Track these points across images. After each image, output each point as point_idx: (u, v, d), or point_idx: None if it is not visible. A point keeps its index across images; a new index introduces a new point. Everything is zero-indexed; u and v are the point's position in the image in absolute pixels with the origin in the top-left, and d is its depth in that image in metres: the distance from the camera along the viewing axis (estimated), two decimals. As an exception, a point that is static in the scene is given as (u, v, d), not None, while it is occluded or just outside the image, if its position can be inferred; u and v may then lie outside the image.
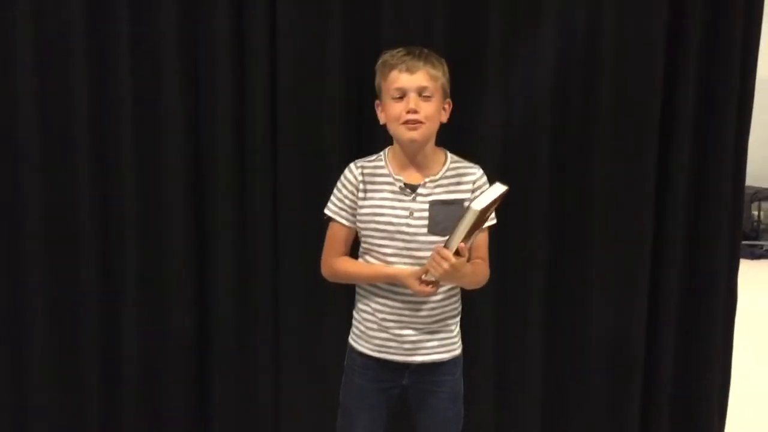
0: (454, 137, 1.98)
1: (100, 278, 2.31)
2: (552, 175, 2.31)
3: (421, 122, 1.75)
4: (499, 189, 1.64)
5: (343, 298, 2.21)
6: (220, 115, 2.25)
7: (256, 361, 2.37)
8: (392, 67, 1.77)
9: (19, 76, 2.20)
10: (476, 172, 1.86)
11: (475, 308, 2.17)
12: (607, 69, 2.25)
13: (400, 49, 1.81)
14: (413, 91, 1.75)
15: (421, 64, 1.76)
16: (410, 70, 1.75)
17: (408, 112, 1.75)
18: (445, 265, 1.67)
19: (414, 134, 1.76)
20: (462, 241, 1.66)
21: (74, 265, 2.29)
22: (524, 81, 2.25)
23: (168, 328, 2.33)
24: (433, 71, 1.77)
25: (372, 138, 2.16)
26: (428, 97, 1.77)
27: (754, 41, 2.29)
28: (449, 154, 1.87)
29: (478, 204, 1.62)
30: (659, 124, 2.28)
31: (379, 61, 1.83)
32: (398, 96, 1.76)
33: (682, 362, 2.44)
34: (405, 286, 1.78)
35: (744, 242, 2.97)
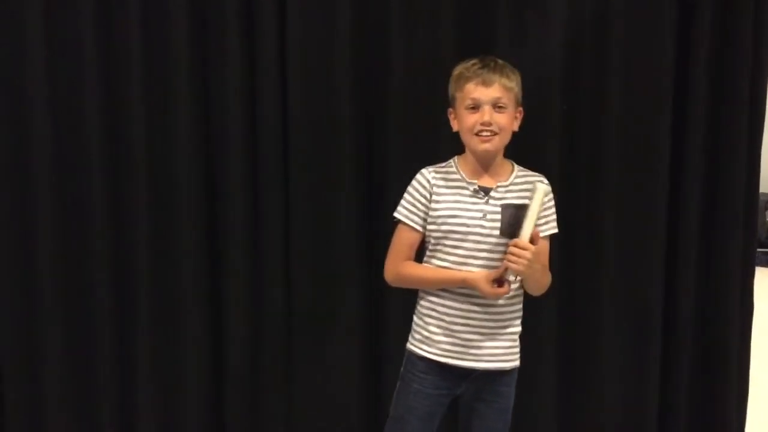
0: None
1: (112, 293, 2.31)
2: (562, 186, 2.26)
3: (495, 133, 1.81)
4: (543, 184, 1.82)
5: (353, 316, 2.20)
6: (232, 132, 2.26)
7: (268, 375, 2.36)
8: (468, 80, 1.82)
9: (32, 97, 2.23)
10: (544, 180, 1.91)
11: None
12: (616, 79, 2.25)
13: (474, 60, 1.85)
14: (488, 104, 1.80)
15: (496, 77, 1.81)
16: (486, 83, 1.80)
17: (482, 124, 1.79)
18: (528, 254, 1.73)
19: (488, 145, 1.82)
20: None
21: (87, 285, 2.30)
22: (530, 88, 2.24)
23: (181, 343, 2.33)
24: (507, 83, 1.82)
25: (382, 156, 2.16)
26: (502, 107, 1.81)
27: (764, 47, 2.27)
28: (515, 165, 1.92)
29: (543, 185, 1.77)
30: (671, 133, 2.27)
31: (455, 73, 1.87)
32: (473, 107, 1.80)
33: (699, 373, 2.40)
34: (476, 289, 1.80)
35: (759, 250, 2.94)
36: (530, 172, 1.93)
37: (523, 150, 2.21)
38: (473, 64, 1.83)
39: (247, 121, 2.25)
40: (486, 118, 1.79)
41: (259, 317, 2.34)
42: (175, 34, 2.21)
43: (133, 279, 2.30)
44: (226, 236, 2.30)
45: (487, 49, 2.18)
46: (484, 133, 1.80)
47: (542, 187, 1.75)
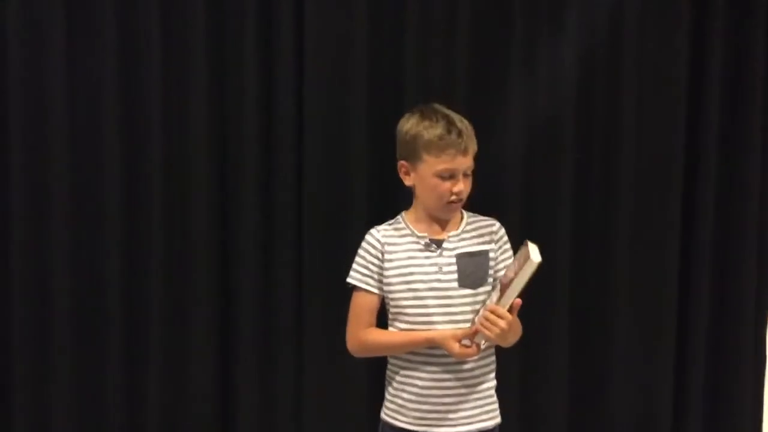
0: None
1: (124, 324, 2.30)
2: (573, 223, 2.30)
3: (462, 200, 1.78)
4: (535, 250, 1.63)
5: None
6: (247, 134, 2.26)
7: (278, 412, 2.33)
8: (443, 149, 1.72)
9: (51, 117, 2.25)
10: (495, 223, 1.87)
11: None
12: (629, 118, 2.28)
13: (442, 124, 1.74)
14: (463, 173, 1.76)
15: (470, 144, 1.75)
16: (464, 153, 1.74)
17: (455, 193, 1.75)
18: (503, 324, 1.63)
19: (455, 213, 1.81)
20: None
21: (99, 311, 2.29)
22: (542, 103, 2.27)
23: (191, 383, 2.31)
24: (475, 147, 1.78)
25: (396, 194, 2.15)
26: (468, 174, 1.78)
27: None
28: (464, 211, 1.88)
29: (537, 256, 1.60)
30: (683, 170, 2.29)
31: (425, 137, 1.74)
32: (447, 176, 1.74)
33: (711, 424, 2.36)
34: (443, 349, 1.73)
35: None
36: (480, 217, 1.87)
37: (538, 162, 2.25)
38: (448, 131, 1.73)
39: (263, 124, 2.25)
40: (461, 186, 1.74)
41: (270, 314, 2.30)
42: (193, 32, 2.23)
43: (144, 277, 2.29)
44: (239, 234, 2.28)
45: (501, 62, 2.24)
46: (454, 204, 1.75)
47: (535, 258, 1.59)
